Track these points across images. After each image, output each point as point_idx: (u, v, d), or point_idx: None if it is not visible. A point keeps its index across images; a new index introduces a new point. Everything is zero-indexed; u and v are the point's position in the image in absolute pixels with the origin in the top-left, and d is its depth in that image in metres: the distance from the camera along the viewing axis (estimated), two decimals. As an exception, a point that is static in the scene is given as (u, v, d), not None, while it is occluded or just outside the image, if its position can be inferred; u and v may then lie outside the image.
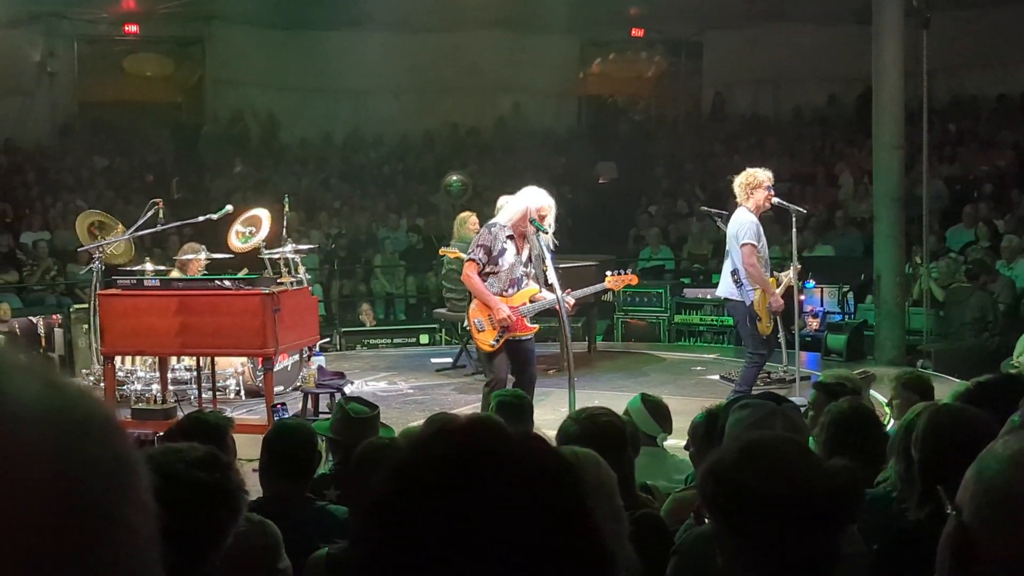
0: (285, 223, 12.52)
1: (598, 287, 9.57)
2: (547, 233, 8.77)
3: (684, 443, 5.70)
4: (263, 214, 12.16)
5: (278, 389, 11.88)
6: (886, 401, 9.02)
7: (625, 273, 9.80)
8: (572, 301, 9.28)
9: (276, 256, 11.47)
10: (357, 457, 4.13)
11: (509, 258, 8.84)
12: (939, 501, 3.44)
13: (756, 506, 2.28)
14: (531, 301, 8.95)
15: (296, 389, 11.57)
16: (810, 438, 4.67)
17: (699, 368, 13.32)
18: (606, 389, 11.94)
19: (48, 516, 0.76)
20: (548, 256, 8.80)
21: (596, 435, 4.40)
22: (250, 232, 12.16)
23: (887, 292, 13.89)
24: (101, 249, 11.56)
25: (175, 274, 11.67)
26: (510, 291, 8.89)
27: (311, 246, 13.58)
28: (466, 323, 9.49)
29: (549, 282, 8.79)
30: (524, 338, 9.00)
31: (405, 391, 12.51)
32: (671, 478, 5.65)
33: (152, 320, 9.56)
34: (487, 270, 8.84)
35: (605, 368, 13.59)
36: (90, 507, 0.79)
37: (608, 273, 9.75)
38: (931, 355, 13.37)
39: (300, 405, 10.32)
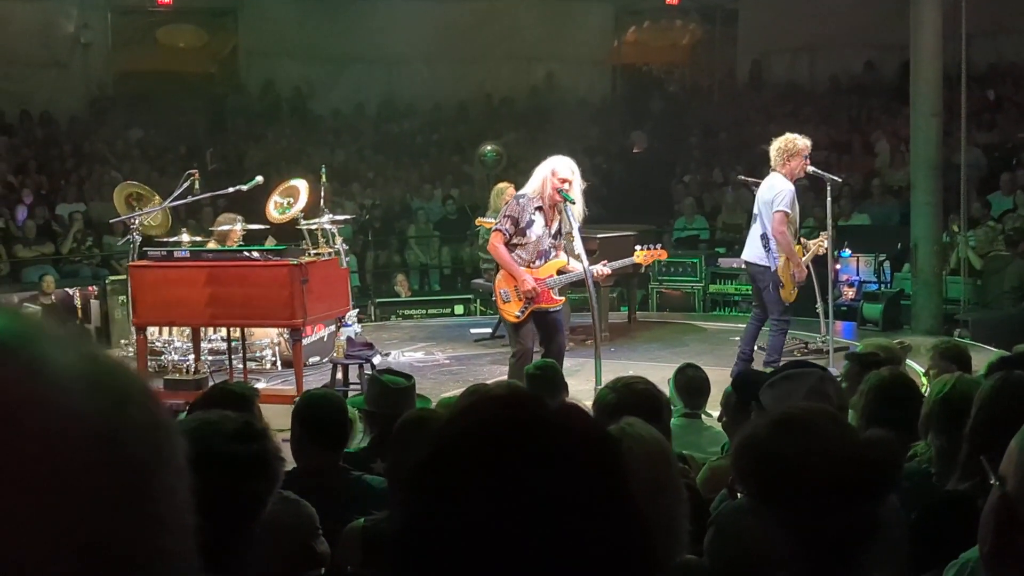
0: (322, 194, 12.55)
1: (626, 261, 9.50)
2: (574, 204, 8.73)
3: (718, 414, 5.68)
4: (301, 185, 12.17)
5: (315, 359, 11.96)
6: (923, 371, 8.95)
7: (655, 248, 9.75)
8: (608, 271, 9.26)
9: (313, 227, 11.50)
10: (397, 428, 4.12)
11: (537, 230, 8.80)
12: (983, 472, 3.40)
13: (791, 478, 2.24)
14: (559, 273, 8.93)
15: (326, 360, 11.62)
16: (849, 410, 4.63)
17: (737, 338, 13.24)
18: (643, 360, 11.94)
19: (96, 475, 0.80)
20: (575, 228, 8.76)
21: (633, 403, 4.36)
22: (288, 203, 12.18)
23: (924, 261, 13.77)
24: (135, 220, 11.59)
25: (212, 245, 11.72)
26: (537, 263, 8.86)
27: (347, 216, 13.58)
28: None
29: (576, 253, 8.76)
30: (552, 310, 8.97)
31: (442, 361, 12.52)
32: (706, 449, 5.62)
33: (182, 291, 9.59)
34: (514, 241, 8.82)
35: (644, 338, 13.57)
36: (133, 467, 0.83)
37: (637, 248, 9.70)
38: (968, 324, 13.25)
39: (329, 376, 10.32)
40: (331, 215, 11.94)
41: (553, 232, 8.89)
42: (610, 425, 3.40)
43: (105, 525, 0.80)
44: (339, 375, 10.03)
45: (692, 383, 6.34)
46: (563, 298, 9.20)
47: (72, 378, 0.82)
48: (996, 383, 3.57)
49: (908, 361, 8.94)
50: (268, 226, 12.01)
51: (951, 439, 3.71)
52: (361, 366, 9.88)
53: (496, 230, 8.88)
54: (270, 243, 11.67)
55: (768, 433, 2.32)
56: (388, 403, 5.57)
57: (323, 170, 12.91)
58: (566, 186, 8.66)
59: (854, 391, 5.20)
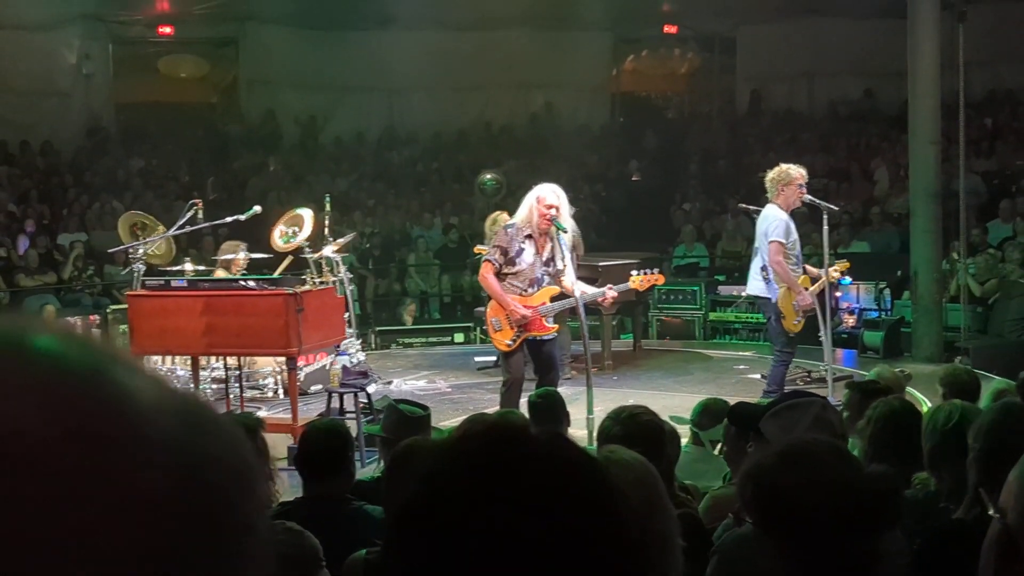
0: (327, 223, 12.64)
1: (623, 287, 9.51)
2: (566, 232, 8.77)
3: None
4: (306, 214, 12.25)
5: (316, 387, 11.96)
6: (926, 400, 8.98)
7: (651, 273, 9.78)
8: (615, 295, 9.28)
9: (317, 256, 11.58)
10: (390, 460, 4.14)
11: (527, 258, 8.85)
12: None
13: (795, 510, 2.28)
14: (552, 300, 8.95)
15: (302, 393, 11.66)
16: (849, 439, 4.63)
17: (742, 367, 13.25)
18: (646, 388, 11.99)
19: (181, 504, 0.77)
20: (567, 256, 8.80)
21: (638, 434, 4.38)
22: (293, 232, 12.27)
23: (924, 288, 13.80)
24: (134, 250, 11.64)
25: (219, 274, 11.76)
26: (530, 290, 8.91)
27: (347, 237, 13.65)
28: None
29: (567, 283, 8.77)
30: (545, 338, 9.02)
31: (443, 390, 12.55)
32: (714, 479, 5.63)
33: (179, 321, 9.64)
34: (505, 271, 8.89)
35: (648, 367, 13.60)
36: (220, 505, 0.81)
37: (633, 273, 9.72)
38: (969, 352, 13.25)
39: (325, 404, 10.32)
40: (334, 243, 12.02)
41: (545, 259, 8.92)
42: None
43: (189, 556, 0.78)
44: (335, 403, 10.00)
45: (710, 406, 6.34)
46: (556, 325, 9.23)
47: (156, 408, 0.80)
48: (997, 411, 3.59)
49: (909, 388, 8.96)
50: (271, 255, 12.07)
51: (955, 468, 3.71)
52: (356, 395, 9.87)
53: (486, 260, 8.96)
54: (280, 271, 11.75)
55: (774, 464, 2.34)
56: (404, 431, 5.61)
57: (327, 199, 13.00)
58: (552, 211, 8.71)
59: (857, 419, 5.21)
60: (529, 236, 8.83)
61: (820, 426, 3.71)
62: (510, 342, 8.91)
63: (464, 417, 10.18)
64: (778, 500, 2.31)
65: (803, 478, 2.29)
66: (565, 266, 8.83)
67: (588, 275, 12.22)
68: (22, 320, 0.82)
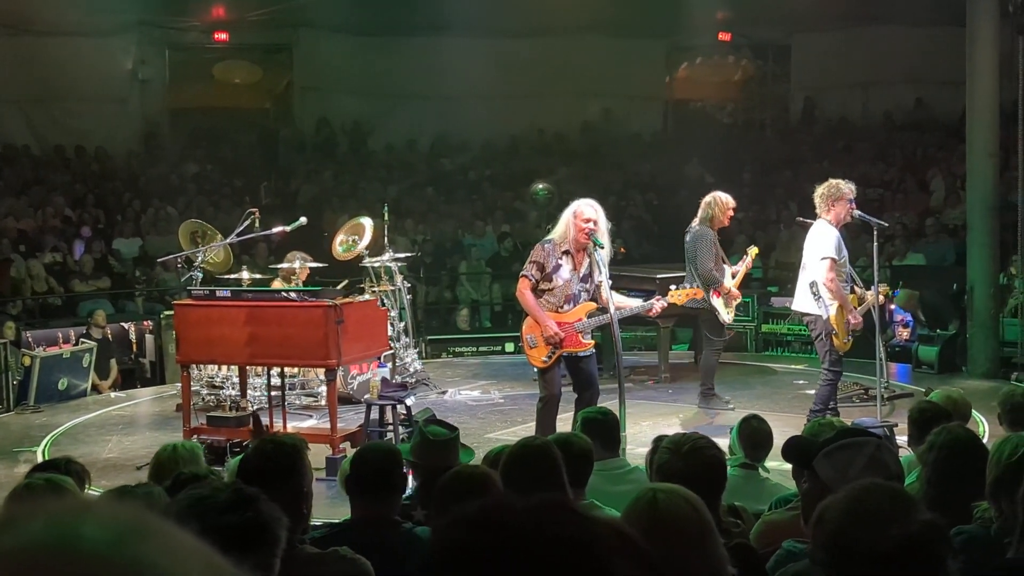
0: (386, 232, 12.73)
1: (663, 301, 9.38)
2: (603, 248, 8.72)
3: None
4: (367, 222, 12.36)
5: (367, 397, 12.00)
6: (983, 419, 8.86)
7: (691, 287, 9.70)
8: (665, 305, 9.18)
9: (376, 264, 11.63)
10: (437, 490, 4.12)
11: (564, 274, 8.81)
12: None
13: (857, 557, 2.31)
14: (589, 316, 8.89)
15: (351, 401, 11.72)
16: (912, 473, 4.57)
17: (800, 381, 13.11)
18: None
19: None
20: (603, 272, 8.74)
21: (702, 473, 4.21)
22: (353, 240, 12.39)
23: (980, 303, 13.62)
24: (194, 256, 11.77)
25: (278, 283, 11.86)
26: (566, 307, 8.86)
27: (407, 254, 13.73)
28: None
29: (605, 297, 8.71)
30: (582, 354, 8.97)
31: (496, 400, 12.55)
32: (761, 502, 5.56)
33: (223, 330, 9.76)
34: (542, 287, 8.85)
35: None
36: None
37: (672, 287, 9.64)
38: (1025, 368, 13.09)
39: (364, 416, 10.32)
40: (393, 253, 12.10)
41: (582, 275, 8.87)
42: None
43: None
44: (375, 415, 10.01)
45: (756, 435, 6.27)
46: (592, 341, 9.13)
47: None
48: None
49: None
50: (326, 264, 12.21)
51: (1015, 501, 3.65)
52: (394, 407, 9.87)
53: (522, 276, 8.91)
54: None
55: (840, 513, 2.37)
56: (429, 455, 5.57)
57: (385, 208, 13.09)
58: (590, 225, 8.67)
59: (918, 443, 5.15)
60: (567, 252, 8.79)
61: (875, 467, 3.64)
62: (545, 359, 8.88)
63: (504, 436, 10.18)
64: (841, 546, 2.36)
65: (868, 528, 2.34)
66: (602, 282, 8.77)
67: (649, 287, 12.21)
68: (68, 509, 0.82)
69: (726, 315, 11.62)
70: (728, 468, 5.44)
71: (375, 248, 12.72)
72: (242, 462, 4.33)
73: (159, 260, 15.07)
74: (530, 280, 8.81)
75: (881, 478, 3.58)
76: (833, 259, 9.89)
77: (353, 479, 4.81)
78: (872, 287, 10.64)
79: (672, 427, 10.42)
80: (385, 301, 12.92)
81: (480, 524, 1.29)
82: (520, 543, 1.25)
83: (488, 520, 1.29)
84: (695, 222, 11.74)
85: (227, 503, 3.01)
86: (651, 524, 3.15)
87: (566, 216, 8.84)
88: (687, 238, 11.70)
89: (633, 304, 9.18)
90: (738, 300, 11.88)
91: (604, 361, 11.67)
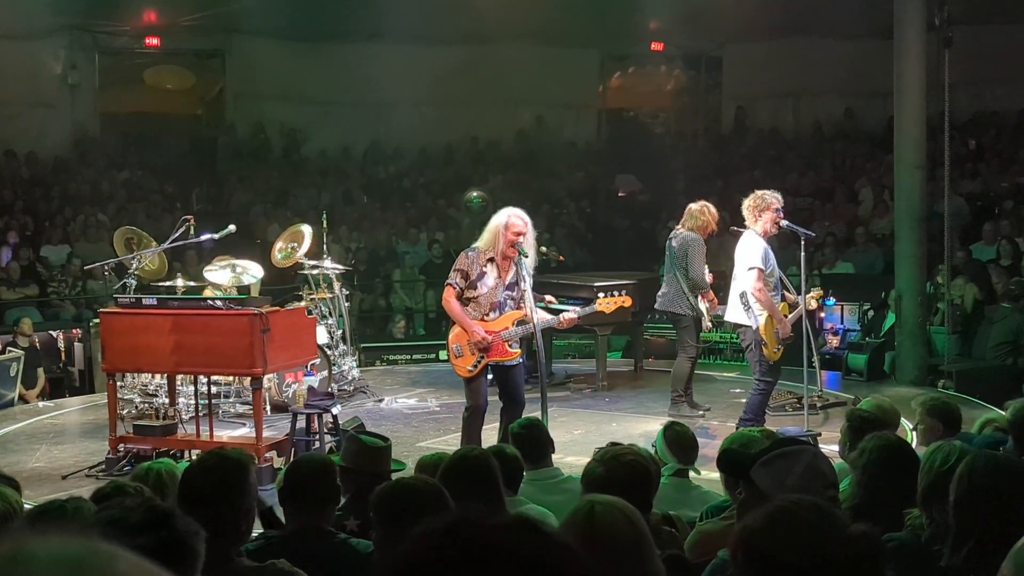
0: (325, 239, 12.70)
1: (588, 309, 9.44)
2: (527, 257, 8.76)
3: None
4: (306, 230, 12.31)
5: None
6: (911, 427, 8.99)
7: (618, 295, 9.73)
8: (575, 317, 9.19)
9: (316, 272, 11.59)
10: (381, 501, 4.12)
11: (489, 282, 8.82)
12: (974, 543, 3.43)
13: (783, 572, 2.31)
14: (515, 325, 8.91)
15: (286, 409, 11.63)
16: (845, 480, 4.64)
17: (736, 390, 13.22)
18: (638, 411, 12.10)
19: None
20: (527, 281, 8.77)
21: (623, 476, 4.37)
22: (292, 248, 12.33)
23: (908, 311, 13.82)
24: (112, 266, 11.69)
25: (208, 292, 11.77)
26: (492, 315, 8.87)
27: (345, 267, 13.71)
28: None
29: (527, 307, 8.73)
30: (508, 363, 8.97)
31: (432, 408, 12.54)
32: (694, 510, 5.62)
33: (148, 339, 9.69)
34: (467, 295, 8.85)
35: (644, 387, 13.62)
36: None
37: (600, 295, 9.69)
38: (952, 375, 13.28)
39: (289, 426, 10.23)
40: (331, 260, 12.08)
41: (508, 283, 8.89)
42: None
43: None
44: (300, 423, 9.93)
45: (681, 439, 6.36)
46: (519, 351, 9.11)
47: None
48: (970, 463, 3.64)
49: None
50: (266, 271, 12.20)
51: (945, 509, 3.73)
52: (321, 415, 9.81)
53: (448, 284, 8.90)
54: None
55: (762, 528, 2.38)
56: (365, 462, 5.62)
57: (323, 215, 13.08)
58: (520, 239, 8.70)
59: (853, 448, 5.25)
60: (491, 260, 8.80)
61: (812, 475, 3.70)
62: (471, 368, 8.88)
63: (431, 445, 10.18)
64: (765, 564, 2.35)
65: (789, 543, 2.34)
66: (524, 291, 8.79)
67: (586, 295, 12.26)
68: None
69: (708, 321, 11.78)
70: (662, 478, 5.51)
71: (314, 255, 12.70)
72: (185, 474, 4.30)
73: (86, 267, 14.88)
74: (455, 288, 8.81)
75: (819, 486, 3.65)
76: (760, 269, 10.00)
77: (288, 490, 4.80)
78: (799, 297, 10.73)
79: (608, 436, 10.46)
80: (323, 308, 12.88)
81: (449, 539, 1.30)
82: (489, 560, 1.26)
83: (457, 536, 1.31)
84: (681, 228, 11.83)
85: (140, 524, 2.93)
86: (588, 536, 3.19)
87: (495, 225, 8.84)
88: (673, 243, 11.79)
89: (547, 316, 9.16)
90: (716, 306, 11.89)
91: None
